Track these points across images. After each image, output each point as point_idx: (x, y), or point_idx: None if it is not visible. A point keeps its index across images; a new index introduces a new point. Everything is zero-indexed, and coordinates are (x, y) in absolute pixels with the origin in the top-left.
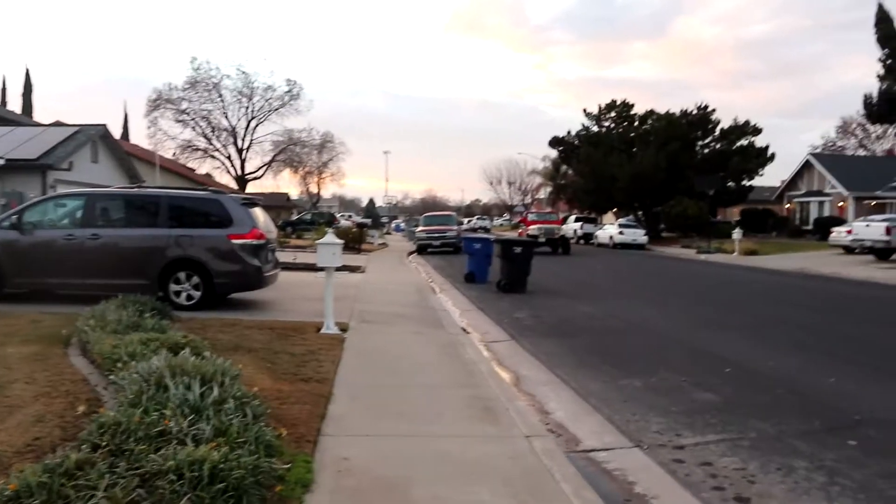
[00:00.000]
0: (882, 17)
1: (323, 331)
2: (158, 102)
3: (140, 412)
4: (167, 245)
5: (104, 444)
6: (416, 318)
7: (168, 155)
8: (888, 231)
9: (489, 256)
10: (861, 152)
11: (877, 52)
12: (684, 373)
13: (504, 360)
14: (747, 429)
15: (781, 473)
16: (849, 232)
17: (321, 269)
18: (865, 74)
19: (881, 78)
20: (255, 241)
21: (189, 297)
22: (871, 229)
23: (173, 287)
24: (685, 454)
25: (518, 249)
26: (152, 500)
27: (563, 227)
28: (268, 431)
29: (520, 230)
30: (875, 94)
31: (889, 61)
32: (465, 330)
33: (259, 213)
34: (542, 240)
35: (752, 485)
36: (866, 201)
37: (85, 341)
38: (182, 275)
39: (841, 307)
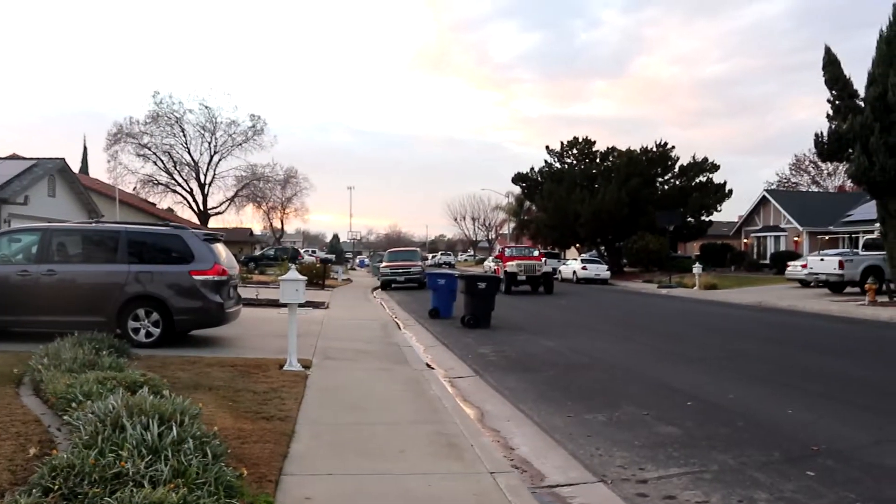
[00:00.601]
0: (830, 60)
1: (286, 368)
2: (119, 136)
3: (95, 454)
4: (126, 281)
5: (56, 487)
6: (380, 354)
7: (129, 189)
8: (841, 265)
9: (453, 292)
10: (814, 188)
11: (825, 93)
12: (647, 406)
13: (468, 396)
14: (709, 461)
15: None
16: (804, 266)
17: (284, 306)
18: (816, 114)
19: (830, 118)
20: (217, 277)
21: (148, 335)
22: (825, 263)
23: (132, 324)
24: (648, 488)
25: (482, 285)
26: None
27: (544, 263)
28: (228, 472)
29: (496, 266)
30: (825, 133)
31: (837, 102)
32: (429, 366)
33: (221, 249)
34: (521, 277)
35: None
36: (820, 236)
37: (38, 380)
38: (141, 311)
39: (798, 340)
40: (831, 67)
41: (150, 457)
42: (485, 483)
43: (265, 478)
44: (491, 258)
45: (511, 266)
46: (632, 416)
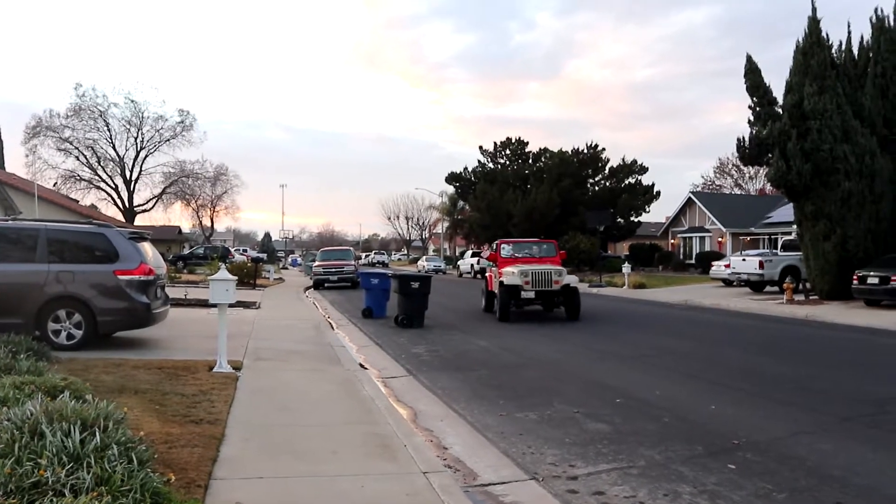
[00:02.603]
0: (751, 68)
1: (216, 369)
2: (38, 129)
3: (11, 462)
4: (46, 281)
5: None
6: (312, 354)
7: (49, 185)
8: (761, 265)
9: (386, 291)
10: (737, 191)
11: (748, 100)
12: (577, 404)
13: (401, 396)
14: (636, 457)
15: (668, 499)
16: (727, 266)
17: (213, 306)
18: (740, 119)
19: (751, 123)
20: (143, 277)
21: (70, 336)
22: (746, 263)
23: (52, 326)
24: (578, 484)
25: (415, 285)
26: None
27: (554, 270)
28: (154, 478)
29: (488, 272)
30: (746, 138)
31: (758, 109)
32: (362, 366)
33: (148, 248)
34: (527, 293)
35: None
36: (742, 236)
37: None
38: (62, 312)
39: (723, 337)
40: (752, 75)
41: (71, 464)
42: (418, 483)
43: (194, 483)
44: (471, 257)
45: (511, 274)
46: (563, 413)
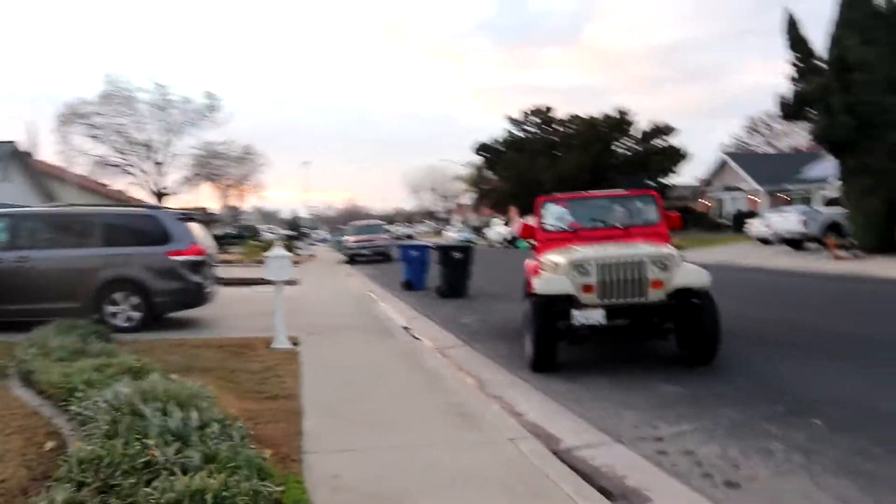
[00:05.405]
0: (791, 23)
1: (274, 345)
2: (69, 117)
3: (121, 444)
4: (102, 265)
5: (89, 480)
6: (363, 327)
7: (81, 171)
8: (805, 223)
9: (425, 263)
10: (769, 150)
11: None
12: (646, 367)
13: (462, 365)
14: (719, 416)
15: (762, 457)
16: (766, 225)
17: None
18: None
19: (793, 80)
20: (195, 258)
21: (128, 319)
22: (787, 221)
23: (109, 308)
24: (666, 445)
25: (458, 255)
26: None
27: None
28: (257, 454)
29: (530, 263)
30: (787, 94)
31: (799, 64)
32: (415, 337)
33: (196, 228)
34: (593, 315)
35: (738, 470)
36: (779, 194)
37: (27, 371)
38: (119, 295)
39: (774, 297)
40: (793, 30)
41: (177, 443)
42: (508, 450)
43: (288, 458)
44: (503, 226)
45: (553, 270)
46: (632, 377)
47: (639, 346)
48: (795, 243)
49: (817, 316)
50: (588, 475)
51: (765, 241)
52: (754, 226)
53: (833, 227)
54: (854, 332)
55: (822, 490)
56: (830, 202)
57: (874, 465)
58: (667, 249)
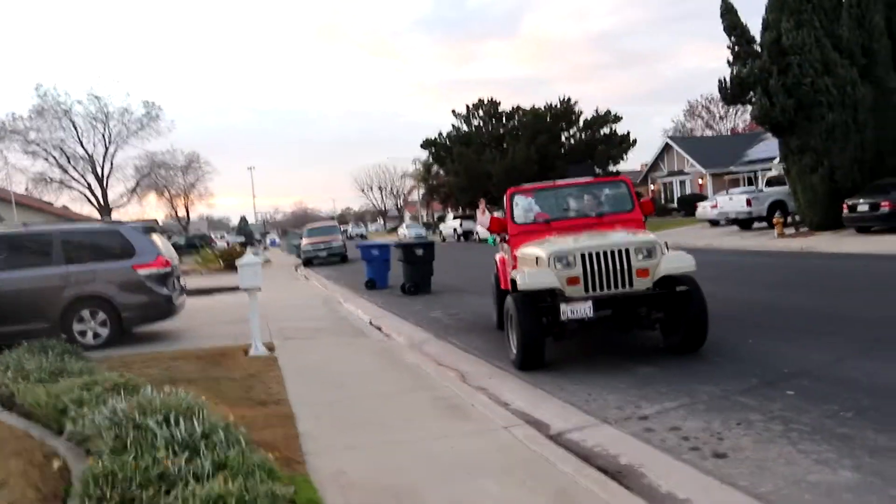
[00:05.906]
0: (727, 8)
1: (252, 353)
2: (2, 134)
3: (132, 458)
4: (66, 283)
5: (108, 496)
6: (335, 329)
7: (20, 190)
8: (749, 203)
9: (388, 261)
10: (708, 132)
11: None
12: (621, 352)
13: (441, 360)
14: (697, 393)
15: (742, 428)
16: (714, 206)
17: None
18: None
19: (730, 63)
20: (161, 269)
21: (96, 335)
22: (734, 202)
23: (77, 326)
24: (651, 423)
25: (420, 252)
26: None
27: (634, 243)
28: (265, 458)
29: (500, 255)
30: (727, 78)
31: (737, 48)
32: (388, 335)
33: (159, 240)
34: (580, 307)
35: (723, 441)
36: (722, 176)
37: (7, 394)
38: (86, 312)
39: (726, 275)
40: (729, 15)
41: (185, 453)
42: (503, 437)
43: (292, 460)
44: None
45: (531, 263)
46: (609, 360)
47: (613, 333)
48: (744, 223)
49: (774, 292)
50: (584, 456)
51: (714, 223)
52: (703, 208)
53: (778, 206)
54: (811, 306)
55: (803, 454)
56: (771, 181)
57: (848, 429)
58: (650, 236)
